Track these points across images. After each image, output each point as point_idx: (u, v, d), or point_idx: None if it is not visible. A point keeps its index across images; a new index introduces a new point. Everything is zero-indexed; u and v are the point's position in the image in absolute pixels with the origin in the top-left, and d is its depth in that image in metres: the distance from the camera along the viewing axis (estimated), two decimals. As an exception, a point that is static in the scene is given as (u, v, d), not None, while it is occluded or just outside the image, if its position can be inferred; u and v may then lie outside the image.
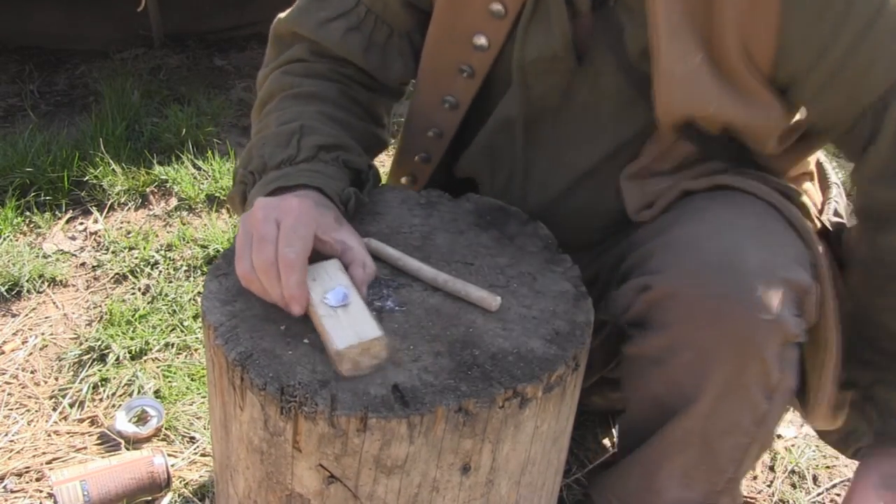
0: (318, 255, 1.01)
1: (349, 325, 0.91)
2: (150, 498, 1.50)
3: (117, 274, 2.09)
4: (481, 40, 1.17)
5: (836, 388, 1.16)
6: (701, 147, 1.16)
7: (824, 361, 1.13)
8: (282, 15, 1.28)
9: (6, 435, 1.63)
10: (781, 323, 1.01)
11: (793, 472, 1.67)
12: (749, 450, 1.14)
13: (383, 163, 2.32)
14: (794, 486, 1.64)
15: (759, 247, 1.03)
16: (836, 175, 1.35)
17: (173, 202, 2.37)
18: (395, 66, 1.26)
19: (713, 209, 1.10)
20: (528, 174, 1.27)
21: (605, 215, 1.25)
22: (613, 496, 1.26)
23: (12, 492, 1.52)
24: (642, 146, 1.19)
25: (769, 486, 1.63)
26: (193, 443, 1.63)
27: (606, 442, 1.69)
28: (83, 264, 2.13)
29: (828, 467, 1.68)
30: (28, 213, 2.27)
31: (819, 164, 1.36)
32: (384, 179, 1.40)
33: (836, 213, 1.27)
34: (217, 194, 2.39)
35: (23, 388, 1.75)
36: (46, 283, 2.04)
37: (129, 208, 2.34)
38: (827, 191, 1.32)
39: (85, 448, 1.61)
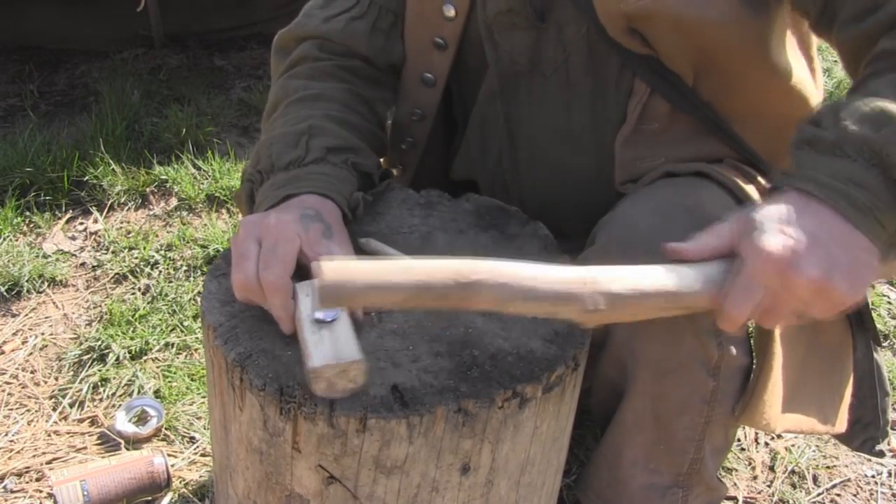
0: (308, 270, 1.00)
1: (330, 344, 0.88)
2: (150, 498, 1.50)
3: (117, 274, 2.09)
4: (450, 11, 1.21)
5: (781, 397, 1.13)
6: (671, 101, 1.15)
7: (765, 358, 1.09)
8: (282, 30, 1.30)
9: (6, 435, 1.63)
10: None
11: (793, 472, 1.66)
12: (706, 430, 1.13)
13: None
14: (794, 486, 1.64)
15: (688, 224, 1.02)
16: None
17: (173, 202, 2.37)
18: (397, 48, 1.29)
19: (659, 189, 1.11)
20: (513, 144, 1.28)
21: (601, 194, 1.23)
22: (593, 493, 1.26)
23: (12, 492, 1.52)
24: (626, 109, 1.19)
25: (769, 486, 1.63)
26: (193, 443, 1.63)
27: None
28: (83, 264, 2.13)
29: (828, 467, 1.68)
30: (28, 213, 2.27)
31: None
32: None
33: None
34: (217, 194, 2.39)
35: (23, 388, 1.75)
36: (46, 283, 2.04)
37: (129, 208, 2.34)
38: None
39: (85, 448, 1.62)
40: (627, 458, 1.17)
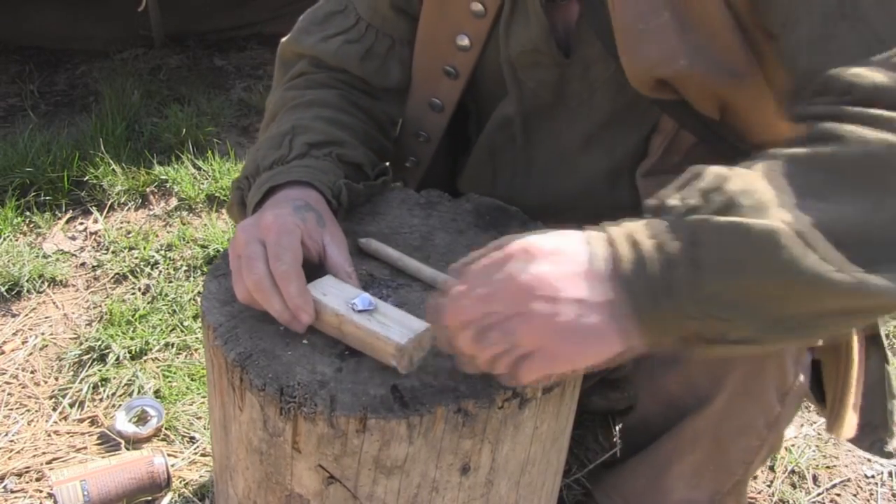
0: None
1: (394, 324, 0.92)
2: (150, 498, 1.50)
3: (117, 274, 2.09)
4: (464, 41, 1.19)
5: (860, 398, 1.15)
6: (698, 136, 1.15)
7: (847, 370, 1.11)
8: (284, 38, 1.30)
9: (6, 435, 1.63)
10: None
11: (793, 472, 1.67)
12: (759, 452, 1.15)
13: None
14: (794, 486, 1.64)
15: None
16: None
17: (173, 202, 2.37)
18: (393, 72, 1.27)
19: None
20: (529, 173, 1.27)
21: (618, 216, 1.24)
22: (619, 496, 1.26)
23: (12, 492, 1.52)
24: (649, 144, 1.19)
25: (769, 486, 1.63)
26: (193, 443, 1.63)
27: (606, 442, 1.69)
28: (83, 264, 2.13)
29: (828, 467, 1.68)
30: (28, 213, 2.27)
31: None
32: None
33: None
34: (217, 194, 2.39)
35: (23, 388, 1.75)
36: (46, 283, 2.04)
37: (129, 208, 2.34)
38: None
39: (85, 448, 1.62)
40: (674, 472, 1.18)
